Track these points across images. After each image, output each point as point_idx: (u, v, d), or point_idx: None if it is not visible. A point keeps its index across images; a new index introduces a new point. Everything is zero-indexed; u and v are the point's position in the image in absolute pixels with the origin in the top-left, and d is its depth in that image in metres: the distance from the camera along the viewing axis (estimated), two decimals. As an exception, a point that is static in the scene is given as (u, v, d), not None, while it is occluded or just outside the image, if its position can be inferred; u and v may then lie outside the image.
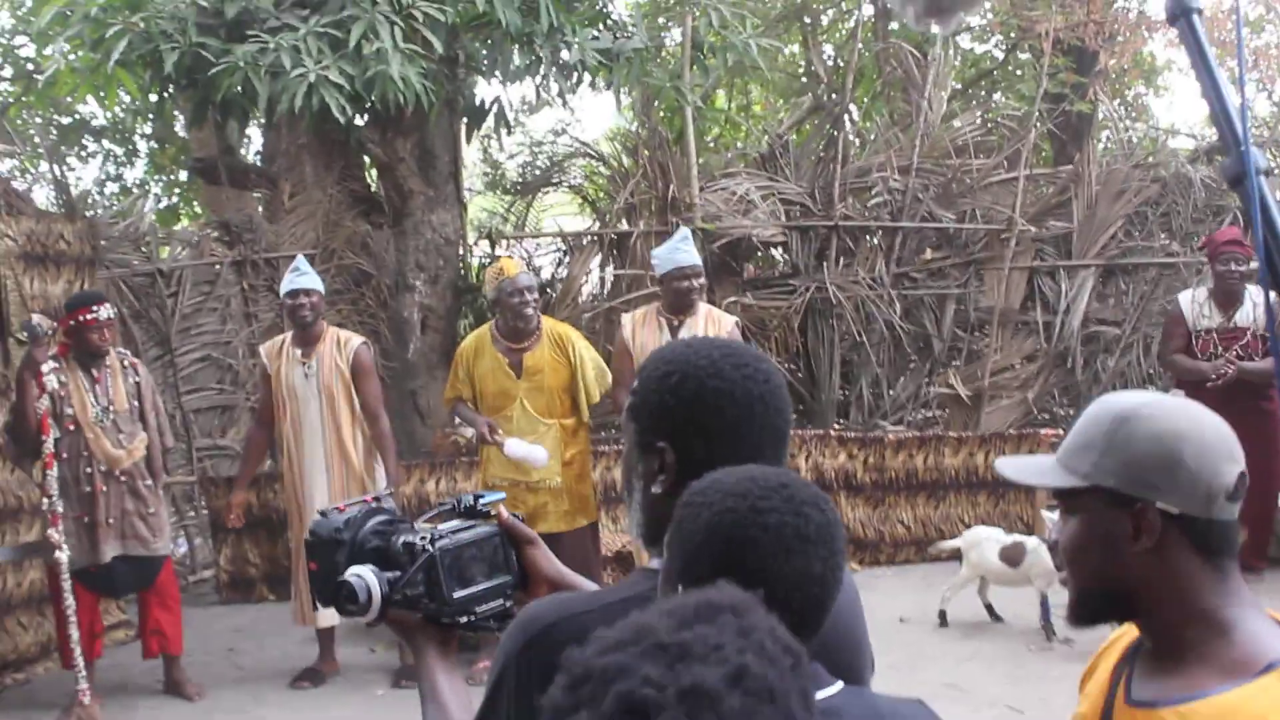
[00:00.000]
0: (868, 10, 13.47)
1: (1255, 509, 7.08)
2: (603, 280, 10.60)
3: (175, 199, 16.35)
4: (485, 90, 9.73)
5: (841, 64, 12.03)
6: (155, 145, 15.77)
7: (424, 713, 1.92)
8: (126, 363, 6.89)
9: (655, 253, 7.16)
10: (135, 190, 15.37)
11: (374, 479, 7.01)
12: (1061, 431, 9.44)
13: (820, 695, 1.64)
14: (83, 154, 15.99)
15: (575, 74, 8.90)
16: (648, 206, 10.10)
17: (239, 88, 7.65)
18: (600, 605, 1.64)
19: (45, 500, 6.38)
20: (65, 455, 6.55)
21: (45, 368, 6.38)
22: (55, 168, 11.33)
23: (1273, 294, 1.62)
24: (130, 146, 16.33)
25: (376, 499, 2.07)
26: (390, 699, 6.63)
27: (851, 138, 11.32)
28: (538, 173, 11.73)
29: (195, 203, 15.65)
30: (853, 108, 12.56)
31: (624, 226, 10.22)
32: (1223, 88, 1.70)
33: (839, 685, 1.70)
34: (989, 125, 11.18)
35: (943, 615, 7.39)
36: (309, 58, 7.48)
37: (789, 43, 15.74)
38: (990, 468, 9.04)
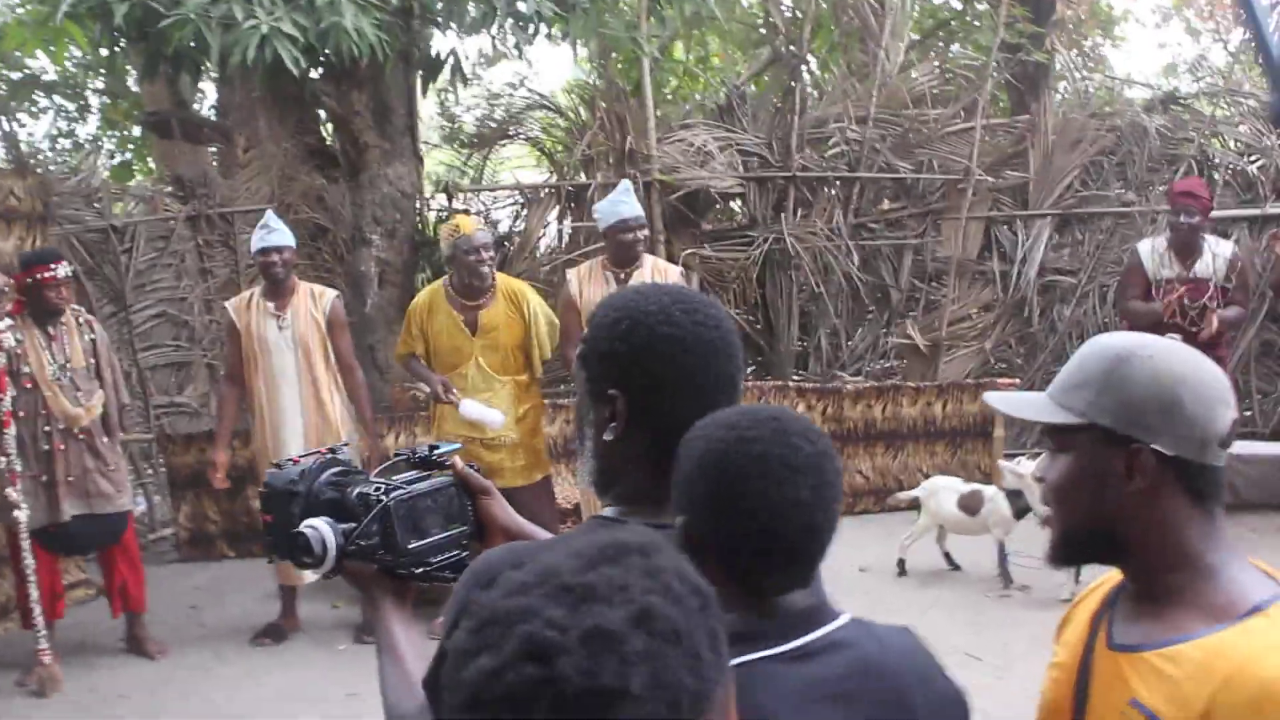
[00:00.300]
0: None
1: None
2: (560, 233, 10.57)
3: (129, 155, 16.15)
4: (441, 43, 9.65)
5: (799, 15, 11.96)
6: (108, 100, 15.55)
7: (380, 665, 1.91)
8: (82, 320, 6.83)
9: (597, 206, 7.15)
10: (88, 146, 15.16)
11: (348, 431, 7.03)
12: (1018, 380, 9.54)
13: (831, 628, 1.69)
14: (34, 110, 15.76)
15: (531, 25, 8.82)
16: (605, 159, 10.06)
17: (190, 41, 7.53)
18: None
19: (2, 459, 6.34)
20: (22, 414, 6.49)
21: (1, 325, 6.32)
22: (4, 123, 11.14)
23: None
24: (83, 102, 16.10)
25: (332, 450, 2.05)
26: (352, 654, 6.64)
27: (809, 89, 11.31)
28: (494, 126, 11.66)
29: (149, 158, 15.46)
30: (811, 59, 12.54)
31: (581, 179, 10.18)
32: (1270, 31, 1.69)
33: (847, 617, 1.73)
34: (946, 76, 11.18)
35: (901, 564, 7.47)
36: (261, 9, 7.37)
37: (747, -7, 15.66)
38: (948, 416, 9.12)
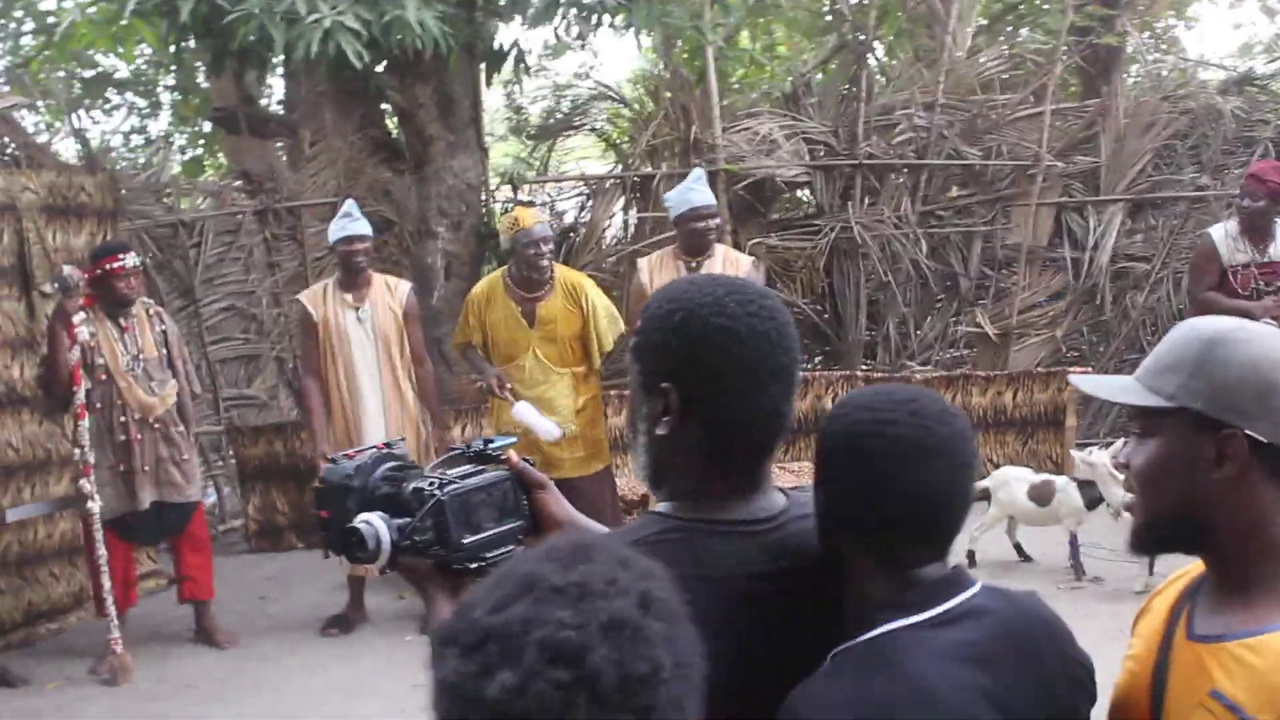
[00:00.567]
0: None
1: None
2: (626, 224, 10.54)
3: (199, 150, 16.31)
4: (505, 35, 9.63)
5: (866, 1, 11.83)
6: (178, 96, 15.71)
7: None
8: (152, 312, 6.92)
9: (668, 196, 7.12)
10: (159, 143, 15.34)
11: (425, 421, 7.09)
12: (1090, 369, 9.39)
13: (968, 594, 1.74)
14: (107, 107, 15.95)
15: (594, 15, 8.80)
16: (670, 149, 10.02)
17: (255, 36, 7.58)
18: None
19: (76, 451, 6.43)
20: (99, 405, 6.59)
21: (76, 319, 6.40)
22: (75, 120, 11.28)
23: None
24: (154, 99, 16.28)
25: (388, 445, 2.04)
26: (418, 645, 6.65)
27: (876, 76, 11.19)
28: (560, 117, 11.65)
29: (219, 154, 15.61)
30: (877, 45, 12.42)
31: (646, 169, 10.14)
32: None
33: (980, 584, 1.78)
34: (1015, 61, 11.02)
35: (971, 555, 7.37)
36: (325, 3, 7.41)
37: (812, -20, 15.55)
38: (1019, 406, 9.00)
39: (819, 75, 11.77)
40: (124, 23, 7.86)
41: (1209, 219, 9.36)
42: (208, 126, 15.18)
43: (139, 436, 6.68)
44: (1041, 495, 7.05)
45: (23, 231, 7.39)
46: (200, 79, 14.04)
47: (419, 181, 9.49)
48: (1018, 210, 10.13)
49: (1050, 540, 7.25)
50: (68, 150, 10.37)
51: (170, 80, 15.54)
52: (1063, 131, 10.29)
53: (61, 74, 14.86)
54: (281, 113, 11.31)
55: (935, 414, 1.74)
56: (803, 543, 1.80)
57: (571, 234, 10.18)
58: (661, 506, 1.84)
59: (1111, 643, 1.99)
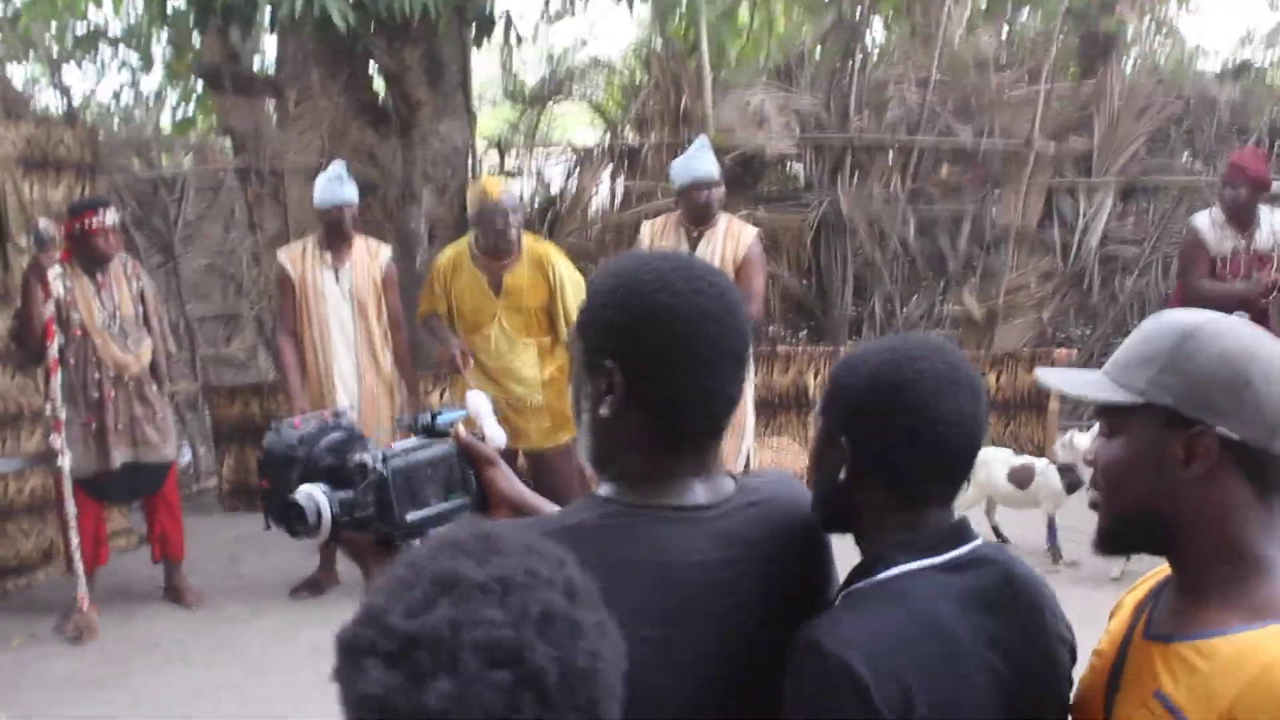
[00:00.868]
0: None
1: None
2: (613, 193, 10.45)
3: (191, 107, 16.18)
4: (498, 1, 9.54)
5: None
6: (172, 53, 15.57)
7: None
8: (129, 269, 6.83)
9: (673, 165, 7.00)
10: (150, 99, 15.21)
11: (400, 388, 7.05)
12: (1076, 352, 9.34)
13: (976, 544, 1.81)
14: (97, 61, 15.80)
15: (586, -19, 8.72)
16: (660, 119, 9.93)
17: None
18: (543, 533, 1.55)
19: (48, 406, 6.36)
20: (73, 361, 6.51)
21: (51, 273, 6.31)
22: (60, 74, 11.16)
23: None
24: (147, 55, 16.13)
25: (336, 414, 1.97)
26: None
27: (871, 49, 11.10)
28: (551, 84, 11.55)
29: (212, 111, 15.48)
30: (877, 21, 12.30)
31: (635, 139, 10.06)
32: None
33: (980, 539, 1.83)
34: (1013, 41, 10.94)
35: (948, 535, 7.32)
36: (310, -38, 7.32)
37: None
38: (1002, 388, 8.94)
39: (817, 51, 11.66)
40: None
41: (1200, 206, 9.28)
42: (200, 84, 15.06)
43: (113, 394, 6.61)
44: (1021, 478, 7.00)
45: (-2, 184, 7.30)
46: (195, 37, 13.92)
47: (404, 145, 9.40)
48: (1008, 190, 10.06)
49: (1028, 523, 7.21)
50: (55, 105, 10.28)
51: (165, 36, 15.41)
52: (1057, 113, 10.22)
53: (53, 27, 14.72)
54: (270, 71, 11.20)
55: (954, 351, 1.83)
56: (750, 531, 1.75)
57: (557, 202, 10.09)
58: (604, 489, 1.77)
59: (1085, 628, 1.94)
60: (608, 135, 10.71)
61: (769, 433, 8.36)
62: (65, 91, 9.86)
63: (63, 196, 7.57)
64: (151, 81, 16.19)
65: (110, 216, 6.62)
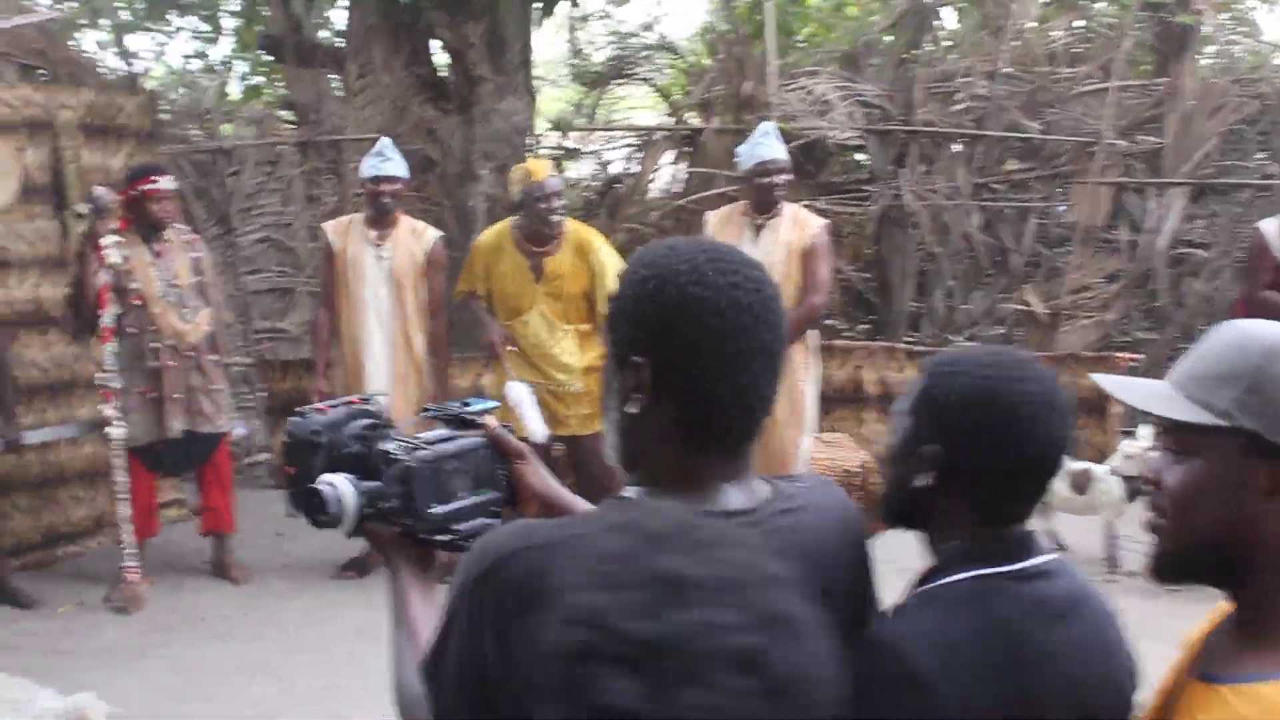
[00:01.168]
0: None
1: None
2: (673, 177, 10.34)
3: (258, 78, 16.21)
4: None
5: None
6: (240, 23, 15.59)
7: (393, 638, 1.78)
8: (187, 238, 6.81)
9: (739, 149, 6.87)
10: (216, 69, 15.24)
11: (429, 372, 6.93)
12: (1141, 356, 9.12)
13: (1046, 557, 1.80)
14: (168, 29, 15.84)
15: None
16: (723, 103, 9.81)
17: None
18: (567, 535, 1.47)
19: (100, 375, 6.35)
20: (131, 331, 6.49)
21: (106, 241, 6.29)
22: (125, 41, 11.17)
23: None
24: (215, 25, 16.15)
25: (364, 400, 1.90)
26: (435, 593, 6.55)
27: (940, 38, 10.91)
28: (614, 65, 11.45)
29: (277, 82, 15.51)
30: (947, 10, 12.11)
31: (696, 122, 9.94)
32: None
33: (1052, 552, 1.83)
34: (1085, 34, 10.72)
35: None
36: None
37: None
38: (1063, 390, 8.75)
39: (889, 39, 11.49)
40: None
41: (1275, 209, 9.06)
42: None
43: (171, 364, 6.59)
44: (1080, 483, 6.85)
45: (59, 149, 7.30)
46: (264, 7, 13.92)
47: (465, 122, 9.34)
48: (1076, 187, 9.87)
49: (1086, 529, 7.06)
50: (120, 72, 10.27)
51: (235, 5, 15.42)
52: (1128, 109, 10.00)
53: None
54: (337, 44, 11.18)
55: (1050, 375, 1.82)
56: (784, 540, 1.63)
57: (617, 184, 9.99)
58: (630, 491, 1.68)
59: (1144, 640, 1.87)
60: (670, 118, 10.59)
61: (822, 427, 8.23)
62: (129, 58, 9.84)
63: (122, 164, 7.56)
64: (219, 51, 16.25)
65: (167, 183, 6.60)
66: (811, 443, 6.67)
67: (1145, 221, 9.80)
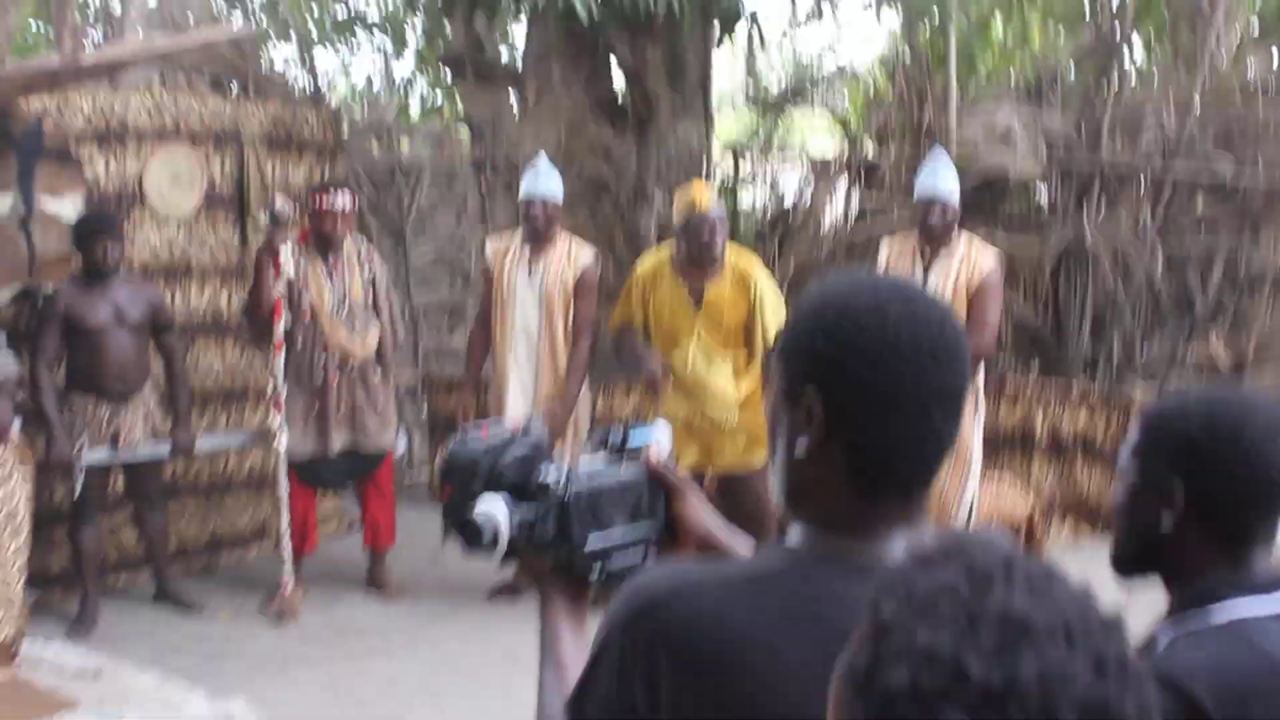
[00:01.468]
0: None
1: None
2: (848, 207, 10.15)
3: (440, 95, 16.50)
4: (747, 2, 9.38)
5: (1127, -9, 11.16)
6: (424, 41, 15.90)
7: (540, 672, 1.72)
8: (363, 253, 6.87)
9: (917, 177, 6.75)
10: (399, 85, 15.57)
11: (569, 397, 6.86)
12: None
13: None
14: (353, 46, 16.24)
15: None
16: (901, 132, 9.61)
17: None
18: (720, 580, 1.41)
19: (270, 384, 6.46)
20: (300, 343, 6.58)
21: (283, 252, 6.39)
22: (310, 56, 11.43)
23: None
24: (400, 42, 16.51)
25: (524, 425, 1.85)
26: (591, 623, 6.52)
27: (1129, 70, 10.55)
28: (790, 91, 11.32)
29: (457, 100, 15.76)
30: (1136, 40, 11.73)
31: (871, 153, 9.75)
32: None
33: None
34: (1286, 68, 10.24)
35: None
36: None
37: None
38: None
39: (1073, 70, 11.16)
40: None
41: None
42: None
43: (336, 379, 6.66)
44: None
45: (244, 161, 7.47)
46: (446, 25, 14.16)
47: (640, 144, 9.32)
48: (1268, 230, 9.42)
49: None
50: (305, 86, 10.53)
51: (419, 22, 15.73)
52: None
53: (314, 10, 15.18)
54: (518, 63, 11.28)
55: (1267, 397, 1.94)
56: None
57: (791, 214, 9.86)
58: (794, 535, 1.57)
59: None
60: (846, 147, 10.42)
61: (989, 472, 7.99)
62: (314, 73, 10.06)
63: (304, 176, 7.74)
64: (403, 68, 16.60)
65: (341, 200, 6.65)
66: (977, 489, 6.47)
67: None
